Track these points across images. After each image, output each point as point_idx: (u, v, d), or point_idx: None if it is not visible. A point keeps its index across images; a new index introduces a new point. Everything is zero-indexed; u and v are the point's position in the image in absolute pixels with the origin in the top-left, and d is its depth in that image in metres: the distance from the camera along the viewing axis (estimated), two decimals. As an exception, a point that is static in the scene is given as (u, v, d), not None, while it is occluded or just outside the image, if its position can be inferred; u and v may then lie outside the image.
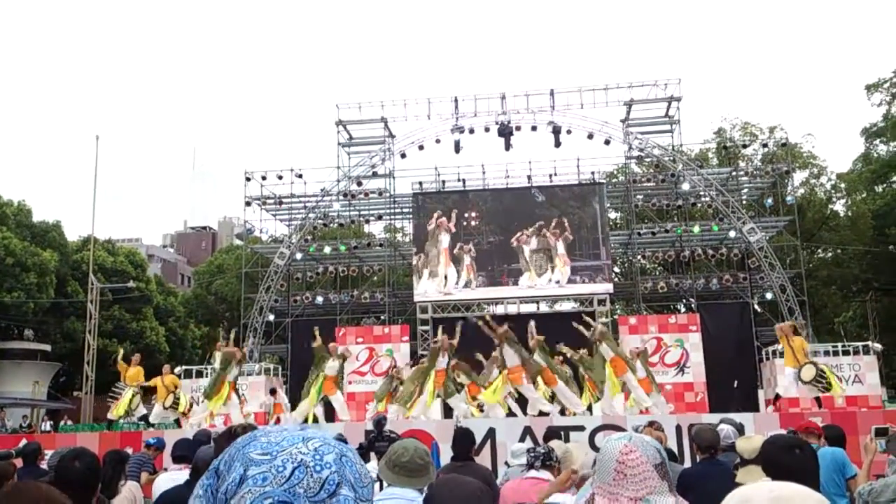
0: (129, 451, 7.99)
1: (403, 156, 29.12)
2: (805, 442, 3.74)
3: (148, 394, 18.95)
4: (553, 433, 6.67)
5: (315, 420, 15.91)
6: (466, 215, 27.34)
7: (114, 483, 5.56)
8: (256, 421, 17.68)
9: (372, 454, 5.61)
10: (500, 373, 15.69)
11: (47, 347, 40.41)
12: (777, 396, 15.95)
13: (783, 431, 6.54)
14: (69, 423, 27.52)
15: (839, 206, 39.37)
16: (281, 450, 1.24)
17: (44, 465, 7.69)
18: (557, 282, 26.30)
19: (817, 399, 14.72)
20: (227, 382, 15.65)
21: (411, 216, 29.24)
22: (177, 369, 18.37)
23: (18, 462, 7.80)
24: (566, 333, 25.16)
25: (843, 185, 38.52)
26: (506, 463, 8.52)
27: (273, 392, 20.36)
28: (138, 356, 18.20)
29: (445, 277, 26.80)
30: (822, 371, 14.55)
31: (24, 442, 9.58)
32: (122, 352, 19.04)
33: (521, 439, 12.17)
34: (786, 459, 3.23)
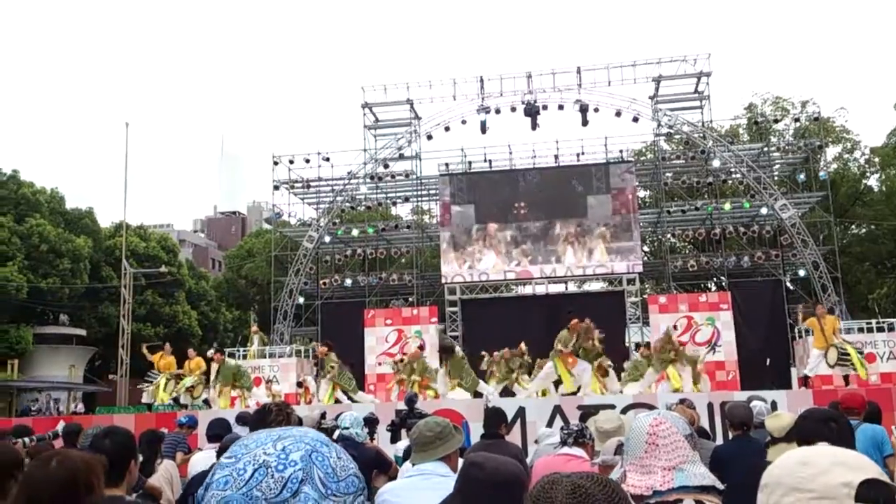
0: (165, 431, 8.12)
1: (430, 137, 29.06)
2: (841, 415, 3.69)
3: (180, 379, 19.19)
4: (587, 412, 6.65)
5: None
6: (516, 204, 27.16)
7: (150, 462, 5.66)
8: (287, 401, 17.87)
9: (403, 431, 5.66)
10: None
11: (82, 332, 41.14)
12: (806, 378, 15.79)
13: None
14: (79, 406, 27.92)
15: (873, 181, 38.67)
16: (246, 452, 1.24)
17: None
18: (590, 252, 26.22)
19: (845, 378, 14.64)
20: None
21: (438, 198, 29.21)
22: (209, 352, 18.55)
23: (58, 443, 7.97)
24: (595, 313, 25.14)
25: (876, 160, 37.76)
26: (535, 441, 8.53)
27: (300, 384, 20.65)
28: (168, 346, 18.33)
29: (478, 259, 26.82)
30: (846, 352, 14.48)
31: (62, 424, 9.77)
32: (145, 346, 18.97)
33: (552, 419, 12.17)
34: (821, 433, 3.19)
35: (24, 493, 2.34)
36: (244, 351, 24.93)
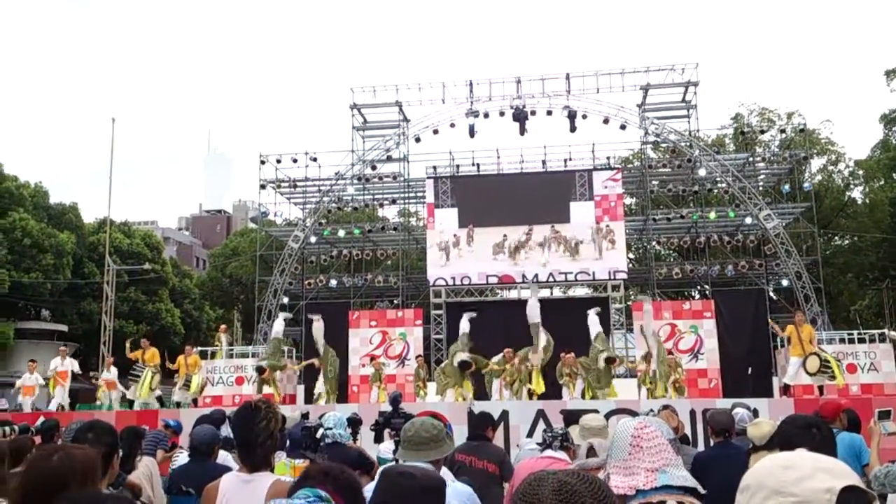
0: (146, 428, 8.07)
1: (418, 140, 29.06)
2: (822, 422, 3.72)
3: (169, 375, 19.15)
4: (571, 417, 6.66)
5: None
6: (501, 209, 26.99)
7: (131, 458, 5.63)
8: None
9: (386, 432, 5.66)
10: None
11: (64, 328, 40.79)
12: (786, 387, 15.89)
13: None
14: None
15: (857, 194, 39.09)
16: None
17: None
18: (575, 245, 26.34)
19: (820, 388, 14.72)
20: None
21: (425, 200, 29.19)
22: (187, 348, 18.57)
23: (37, 439, 7.90)
24: (579, 319, 25.22)
25: (861, 172, 38.16)
26: (517, 445, 8.54)
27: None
28: (146, 341, 18.33)
29: (463, 263, 26.82)
30: (827, 361, 14.56)
31: (41, 419, 9.69)
32: (128, 343, 18.72)
33: (534, 423, 12.22)
34: (802, 439, 3.22)
35: (24, 484, 2.38)
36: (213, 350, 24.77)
